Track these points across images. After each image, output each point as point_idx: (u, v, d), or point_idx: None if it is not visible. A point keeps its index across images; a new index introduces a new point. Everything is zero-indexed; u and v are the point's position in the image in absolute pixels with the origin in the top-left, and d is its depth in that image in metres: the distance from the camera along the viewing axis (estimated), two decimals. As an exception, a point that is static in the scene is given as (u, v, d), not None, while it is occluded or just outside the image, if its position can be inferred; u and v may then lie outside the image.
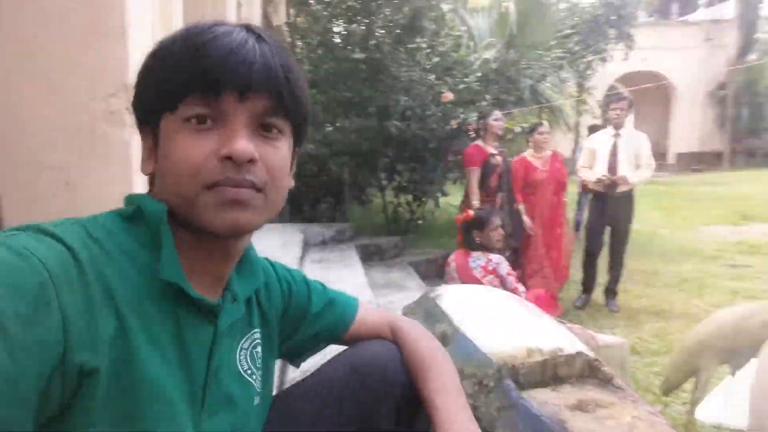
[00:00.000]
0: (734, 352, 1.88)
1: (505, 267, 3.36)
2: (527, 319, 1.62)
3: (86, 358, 0.57)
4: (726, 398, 1.90)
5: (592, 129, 6.84)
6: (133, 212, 0.69)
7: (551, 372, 1.43)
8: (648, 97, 16.96)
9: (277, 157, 0.70)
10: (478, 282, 3.23)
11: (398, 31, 5.24)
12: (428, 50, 5.73)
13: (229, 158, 0.65)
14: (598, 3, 13.22)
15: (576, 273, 4.95)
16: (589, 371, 1.48)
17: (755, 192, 11.78)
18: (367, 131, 5.33)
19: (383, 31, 4.85)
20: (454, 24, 7.06)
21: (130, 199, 0.72)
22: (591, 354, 1.50)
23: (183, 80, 0.66)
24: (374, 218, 6.89)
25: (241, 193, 0.66)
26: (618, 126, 4.53)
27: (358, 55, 4.82)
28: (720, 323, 1.93)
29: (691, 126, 19.79)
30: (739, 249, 6.72)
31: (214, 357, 0.73)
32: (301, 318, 0.92)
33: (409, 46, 5.22)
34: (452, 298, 1.71)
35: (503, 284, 3.26)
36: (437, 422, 0.82)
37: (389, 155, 5.81)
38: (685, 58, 19.63)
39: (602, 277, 4.78)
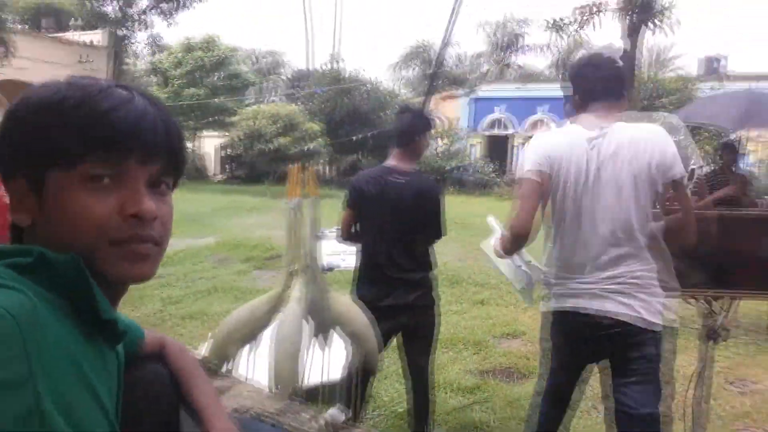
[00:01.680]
0: (250, 336, 2.52)
1: None
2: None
3: (49, 400, 0.62)
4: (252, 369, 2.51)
5: None
6: (33, 262, 0.69)
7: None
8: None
9: (169, 211, 0.79)
10: None
11: None
12: None
13: (134, 216, 0.72)
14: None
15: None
16: (199, 367, 1.79)
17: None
18: None
19: None
20: None
21: (24, 250, 0.70)
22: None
23: (88, 143, 0.70)
24: None
25: (147, 249, 0.74)
26: None
27: None
28: (238, 317, 2.52)
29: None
30: (154, 261, 7.61)
31: (120, 381, 0.84)
32: None
33: None
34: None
35: None
36: (204, 420, 1.01)
37: None
38: (63, 75, 19.71)
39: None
